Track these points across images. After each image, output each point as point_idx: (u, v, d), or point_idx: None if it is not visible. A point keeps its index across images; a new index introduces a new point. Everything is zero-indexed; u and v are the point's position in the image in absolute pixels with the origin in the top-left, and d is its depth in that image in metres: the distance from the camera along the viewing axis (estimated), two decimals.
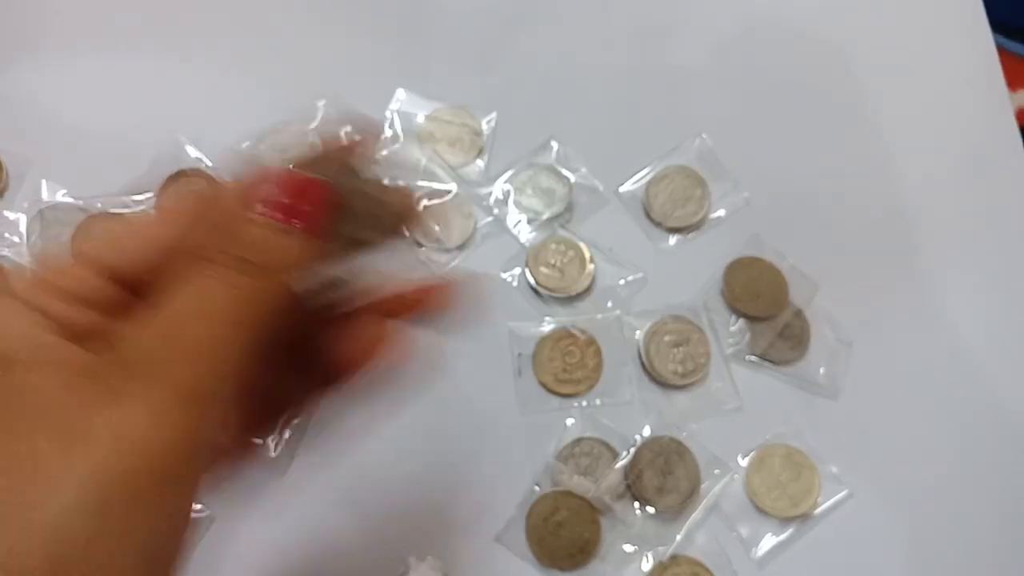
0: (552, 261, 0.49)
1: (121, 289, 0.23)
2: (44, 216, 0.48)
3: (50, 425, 0.18)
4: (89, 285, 0.22)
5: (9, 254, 0.48)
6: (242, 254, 0.21)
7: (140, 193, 0.49)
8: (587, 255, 0.49)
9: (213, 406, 0.21)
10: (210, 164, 0.50)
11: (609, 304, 0.49)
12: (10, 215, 0.49)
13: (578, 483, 0.45)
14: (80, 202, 0.49)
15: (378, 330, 0.26)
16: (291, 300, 0.23)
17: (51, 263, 0.23)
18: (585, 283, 0.49)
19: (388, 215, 0.25)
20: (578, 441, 0.46)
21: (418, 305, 0.27)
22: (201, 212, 0.23)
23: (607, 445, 0.46)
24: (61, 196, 0.49)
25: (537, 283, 0.49)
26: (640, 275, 0.50)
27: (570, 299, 0.49)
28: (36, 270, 0.22)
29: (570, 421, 0.47)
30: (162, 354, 0.20)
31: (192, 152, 0.51)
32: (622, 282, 0.49)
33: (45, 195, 0.49)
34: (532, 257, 0.49)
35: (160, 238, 0.23)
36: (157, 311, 0.21)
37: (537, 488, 0.45)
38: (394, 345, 0.26)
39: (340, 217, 0.23)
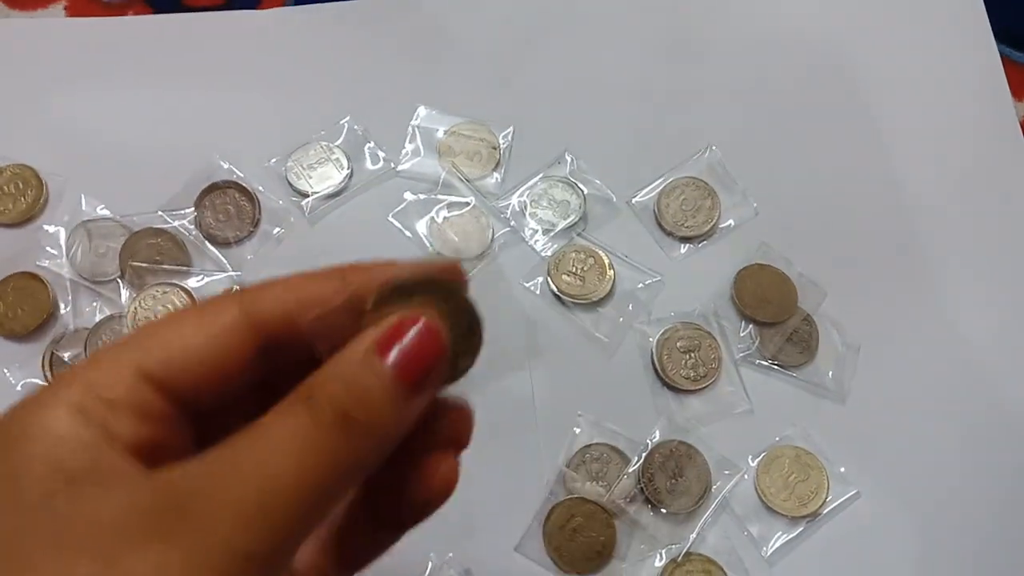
0: (573, 269, 0.51)
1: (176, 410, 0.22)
2: (87, 229, 0.50)
3: (96, 554, 0.18)
4: (141, 397, 0.21)
5: (48, 265, 0.50)
6: (351, 408, 0.20)
7: (177, 209, 0.51)
8: (606, 261, 0.51)
9: (266, 573, 0.19)
10: (242, 176, 0.53)
11: (630, 308, 0.51)
12: (50, 229, 0.51)
13: (590, 489, 0.47)
14: (119, 217, 0.51)
15: (451, 465, 0.24)
16: (379, 461, 0.21)
17: (102, 368, 0.21)
18: (606, 288, 0.50)
19: (477, 343, 0.23)
20: (587, 448, 0.48)
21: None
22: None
23: (616, 449, 0.48)
24: (100, 211, 0.52)
25: (559, 291, 0.50)
26: (658, 278, 0.51)
27: (592, 304, 0.51)
28: (87, 380, 0.21)
29: (577, 429, 0.48)
30: (223, 496, 0.18)
31: (225, 165, 0.53)
32: (641, 286, 0.51)
33: (85, 209, 0.52)
34: (553, 266, 0.51)
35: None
36: (231, 440, 0.19)
37: (551, 496, 0.47)
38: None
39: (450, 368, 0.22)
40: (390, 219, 0.52)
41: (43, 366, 0.48)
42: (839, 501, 0.47)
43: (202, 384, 0.22)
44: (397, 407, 0.20)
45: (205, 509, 0.18)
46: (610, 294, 0.51)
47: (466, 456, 0.23)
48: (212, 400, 0.22)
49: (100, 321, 0.49)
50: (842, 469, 0.48)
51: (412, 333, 0.21)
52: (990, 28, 0.59)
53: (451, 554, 0.46)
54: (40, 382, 0.48)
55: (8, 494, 0.19)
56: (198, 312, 0.22)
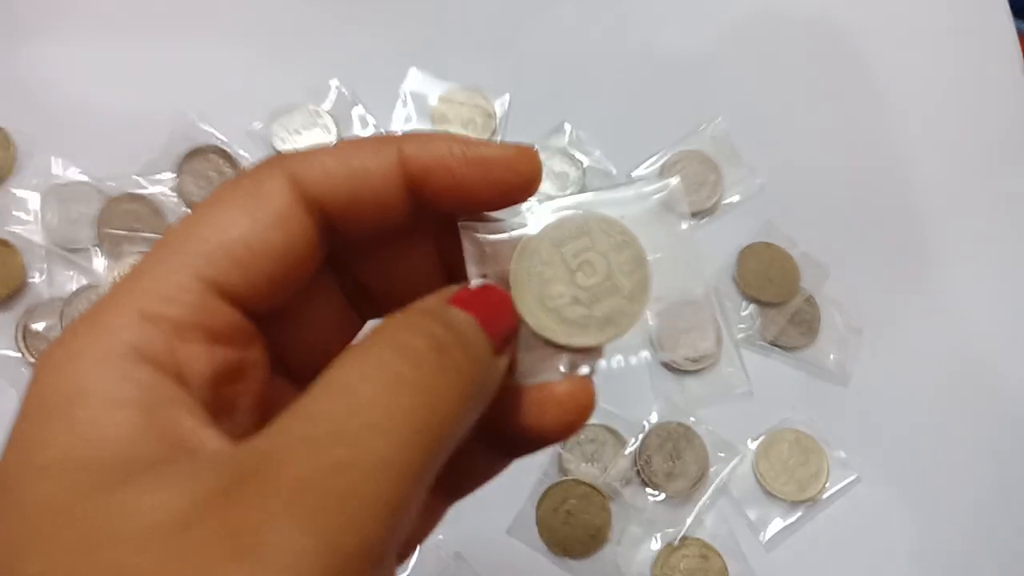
0: None
1: (244, 317, 0.18)
2: (60, 193, 0.48)
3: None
4: (211, 313, 0.17)
5: (20, 231, 0.48)
6: (446, 339, 0.17)
7: (156, 173, 0.49)
8: None
9: (380, 565, 0.14)
10: (224, 140, 0.50)
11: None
12: (20, 193, 0.49)
13: (585, 470, 0.46)
14: (94, 181, 0.48)
15: (587, 385, 0.21)
16: (477, 415, 0.18)
17: (158, 279, 0.17)
18: None
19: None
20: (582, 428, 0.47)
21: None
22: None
23: (611, 431, 0.46)
24: (73, 174, 0.49)
25: None
26: (659, 255, 0.50)
27: None
28: (141, 302, 0.17)
29: None
30: (317, 478, 0.14)
31: (206, 128, 0.50)
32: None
33: (57, 172, 0.49)
34: None
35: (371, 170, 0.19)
36: (301, 400, 0.15)
37: (544, 478, 0.46)
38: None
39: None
40: None
41: (16, 338, 0.46)
42: (839, 486, 0.46)
43: (271, 285, 0.18)
44: (488, 347, 0.18)
45: (296, 493, 0.14)
46: None
47: None
48: (281, 302, 0.19)
49: (77, 290, 0.47)
50: (842, 454, 0.47)
51: (478, 291, 0.19)
52: (1007, 4, 0.57)
53: (441, 536, 0.44)
54: (13, 354, 0.46)
55: (33, 490, 0.14)
56: (239, 193, 0.18)
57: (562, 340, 0.20)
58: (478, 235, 0.21)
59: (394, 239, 0.22)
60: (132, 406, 0.15)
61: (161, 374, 0.16)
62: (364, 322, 0.24)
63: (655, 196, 0.22)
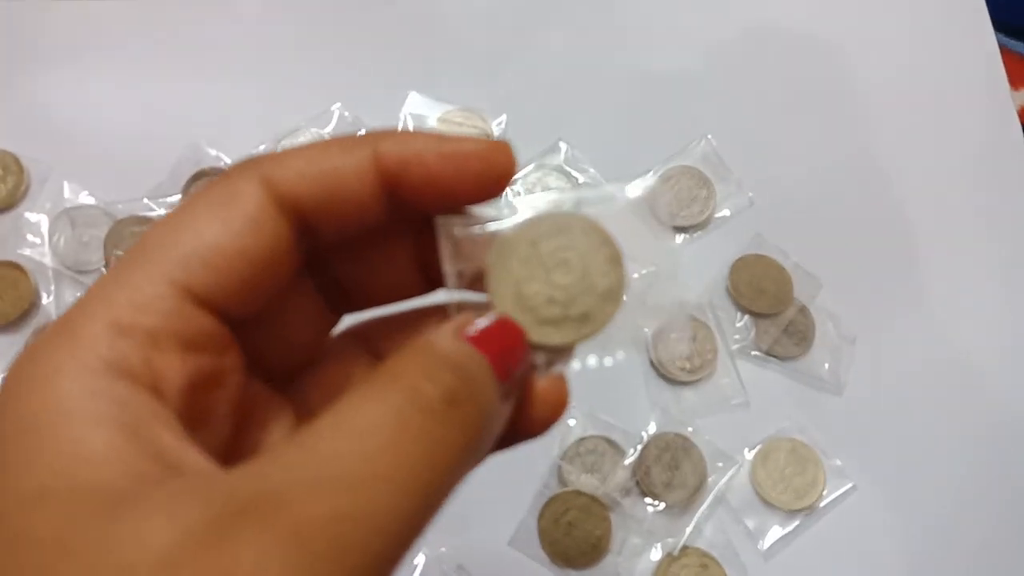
0: None
1: (221, 324, 0.18)
2: (71, 217, 0.49)
3: None
4: (186, 320, 0.17)
5: (31, 254, 0.49)
6: (457, 388, 0.17)
7: (163, 196, 0.50)
8: None
9: None
10: (229, 164, 0.52)
11: (625, 297, 0.50)
12: (32, 217, 0.50)
13: (585, 481, 0.46)
14: (103, 205, 0.50)
15: (560, 383, 0.21)
16: (481, 459, 0.18)
17: (134, 287, 0.17)
18: None
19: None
20: (582, 440, 0.47)
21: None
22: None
23: (610, 442, 0.47)
24: (84, 198, 0.50)
25: None
26: (653, 268, 0.51)
27: None
28: (111, 305, 0.17)
29: (571, 422, 0.48)
30: (318, 525, 0.14)
31: (212, 152, 0.52)
32: (635, 276, 0.50)
33: (68, 197, 0.50)
34: None
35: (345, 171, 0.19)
36: (308, 434, 0.15)
37: (545, 490, 0.46)
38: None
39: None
40: None
41: None
42: (836, 494, 0.47)
43: (247, 289, 0.18)
44: (498, 393, 0.18)
45: (273, 531, 0.14)
46: None
47: None
48: (257, 306, 0.19)
49: None
50: (838, 462, 0.47)
51: (495, 328, 0.19)
52: (989, 18, 0.59)
53: (443, 549, 0.45)
54: None
55: (27, 519, 0.14)
56: (213, 198, 0.18)
57: (538, 339, 0.21)
58: (455, 232, 0.21)
59: (372, 238, 0.22)
60: (111, 424, 0.15)
61: (137, 388, 0.16)
62: (339, 317, 0.24)
63: (633, 196, 0.23)
